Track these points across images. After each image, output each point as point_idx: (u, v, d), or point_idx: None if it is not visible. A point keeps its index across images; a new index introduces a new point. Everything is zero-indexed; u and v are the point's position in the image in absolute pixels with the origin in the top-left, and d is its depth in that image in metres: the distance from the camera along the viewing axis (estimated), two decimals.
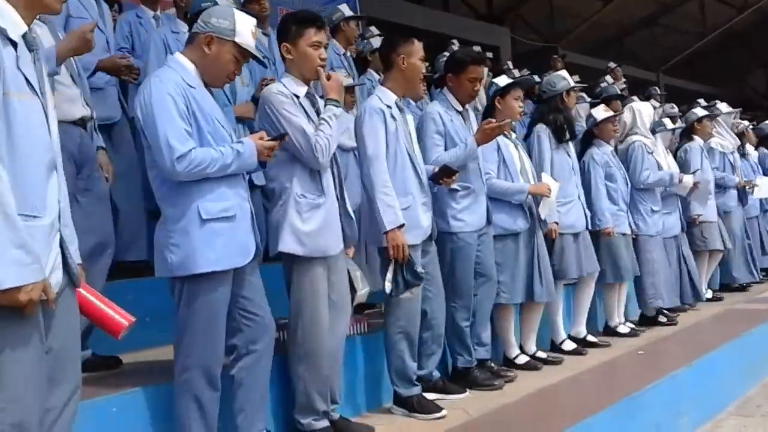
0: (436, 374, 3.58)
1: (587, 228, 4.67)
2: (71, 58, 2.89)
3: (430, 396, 3.44)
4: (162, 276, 2.53)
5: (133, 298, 2.86)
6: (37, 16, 2.71)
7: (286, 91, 2.87)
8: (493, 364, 3.95)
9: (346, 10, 5.53)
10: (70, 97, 2.89)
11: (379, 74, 5.62)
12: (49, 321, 1.84)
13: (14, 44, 1.78)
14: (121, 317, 2.11)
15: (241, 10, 2.72)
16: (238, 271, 2.58)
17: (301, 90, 2.92)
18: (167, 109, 2.41)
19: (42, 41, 2.72)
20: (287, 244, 2.82)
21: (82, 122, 2.95)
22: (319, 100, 3.00)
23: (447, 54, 6.87)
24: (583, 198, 4.66)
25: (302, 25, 2.89)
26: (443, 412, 3.27)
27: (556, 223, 4.29)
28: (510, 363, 4.16)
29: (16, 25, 1.80)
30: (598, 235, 4.84)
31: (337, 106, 2.91)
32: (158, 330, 2.95)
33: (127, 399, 2.60)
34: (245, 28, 2.58)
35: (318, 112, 2.94)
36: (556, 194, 4.19)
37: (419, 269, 3.22)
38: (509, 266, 3.99)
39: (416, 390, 3.34)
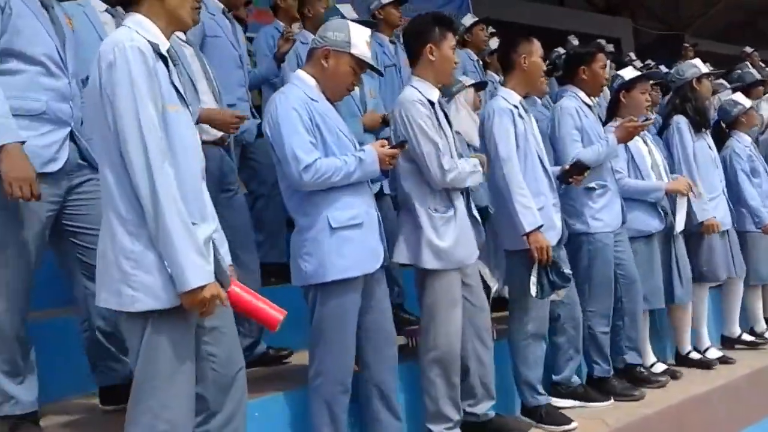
0: (576, 380, 3.47)
1: (733, 225, 4.41)
2: (213, 80, 3.09)
3: (569, 403, 3.37)
4: (298, 284, 2.61)
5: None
6: (182, 38, 2.87)
7: (425, 100, 2.85)
8: (642, 369, 3.79)
9: (467, 20, 5.70)
10: None
11: (498, 75, 5.57)
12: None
13: (164, 59, 1.89)
14: (275, 311, 2.19)
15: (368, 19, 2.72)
16: (368, 280, 2.61)
17: (435, 94, 2.91)
18: (292, 122, 2.49)
19: (190, 62, 2.93)
20: (426, 261, 2.81)
21: (221, 140, 3.10)
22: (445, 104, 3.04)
23: (562, 50, 6.72)
24: (727, 192, 4.41)
25: (445, 28, 2.90)
26: (573, 424, 3.14)
27: (714, 217, 4.11)
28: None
29: (162, 42, 1.90)
30: (739, 234, 4.54)
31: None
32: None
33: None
34: (360, 40, 2.61)
35: (447, 117, 2.96)
36: (699, 192, 3.97)
37: (566, 270, 3.14)
38: (642, 271, 3.77)
39: (543, 399, 3.24)
